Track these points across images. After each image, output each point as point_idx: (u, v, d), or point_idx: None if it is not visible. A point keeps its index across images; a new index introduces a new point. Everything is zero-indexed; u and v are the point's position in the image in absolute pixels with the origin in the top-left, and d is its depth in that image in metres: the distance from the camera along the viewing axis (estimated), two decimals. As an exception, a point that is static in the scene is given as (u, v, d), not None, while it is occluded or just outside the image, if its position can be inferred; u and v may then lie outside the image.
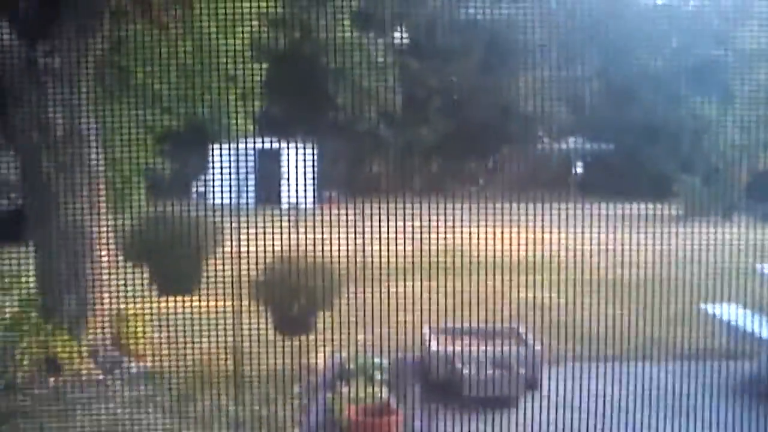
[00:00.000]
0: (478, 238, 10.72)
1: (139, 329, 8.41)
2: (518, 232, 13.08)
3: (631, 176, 19.96)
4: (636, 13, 26.71)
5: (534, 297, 11.02)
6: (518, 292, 9.36)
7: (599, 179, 21.14)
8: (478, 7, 30.83)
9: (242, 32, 13.41)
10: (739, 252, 12.04)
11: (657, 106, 21.00)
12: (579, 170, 22.21)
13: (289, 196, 15.44)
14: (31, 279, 8.23)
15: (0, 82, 8.10)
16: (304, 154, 18.51)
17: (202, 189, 17.77)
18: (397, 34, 26.79)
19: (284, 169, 16.86)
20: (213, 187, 15.77)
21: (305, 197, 18.14)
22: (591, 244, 12.23)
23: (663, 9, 28.32)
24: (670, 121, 20.37)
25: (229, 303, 6.93)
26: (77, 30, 8.08)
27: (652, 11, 27.69)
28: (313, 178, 17.83)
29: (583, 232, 13.95)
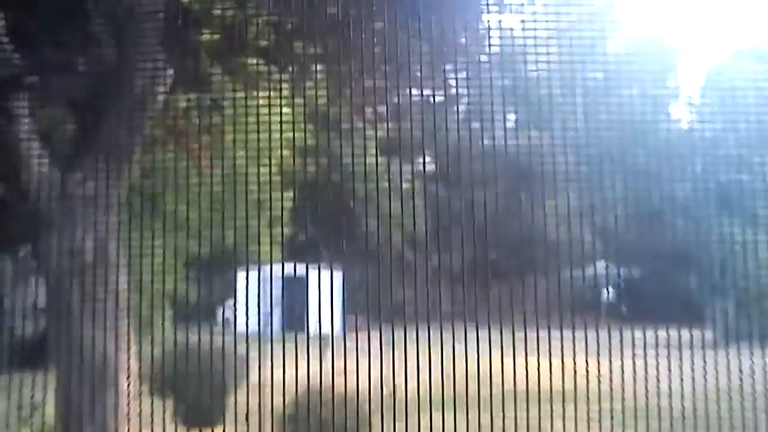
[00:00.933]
0: (508, 367, 10.47)
1: (162, 460, 8.13)
2: (549, 360, 12.73)
3: (662, 301, 19.65)
4: (659, 138, 27.13)
5: (568, 429, 10.57)
6: (552, 423, 9.00)
7: (629, 305, 20.81)
8: (503, 135, 31.61)
9: (271, 160, 13.73)
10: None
11: (684, 230, 20.97)
12: (609, 296, 21.97)
13: (315, 323, 15.30)
14: (51, 408, 8.08)
15: (33, 208, 8.26)
16: (331, 280, 18.56)
17: (228, 315, 17.76)
18: (422, 161, 27.37)
19: (311, 296, 16.81)
20: (239, 313, 15.76)
21: (332, 324, 18.04)
22: (625, 371, 11.84)
23: (685, 134, 28.78)
24: (698, 245, 20.27)
25: (255, 435, 6.71)
26: (111, 158, 8.30)
27: (674, 137, 28.12)
28: (342, 305, 17.80)
29: (616, 359, 13.53)
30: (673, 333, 18.46)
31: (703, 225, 20.29)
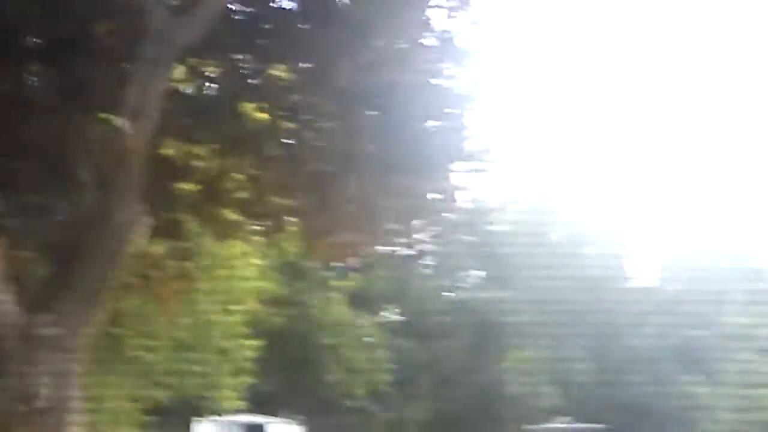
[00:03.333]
0: None
1: None
2: None
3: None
4: (618, 293, 27.71)
5: None
6: None
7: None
8: (467, 288, 32.00)
9: (239, 310, 13.75)
10: None
11: (646, 386, 21.05)
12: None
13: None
14: None
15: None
16: (291, 431, 18.17)
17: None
18: (387, 314, 27.46)
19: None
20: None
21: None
22: None
23: (646, 292, 29.39)
24: (660, 402, 20.30)
25: None
26: (81, 302, 8.26)
27: (636, 294, 28.72)
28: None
29: None
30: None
31: (664, 381, 20.45)
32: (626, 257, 32.20)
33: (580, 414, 22.21)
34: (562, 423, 22.34)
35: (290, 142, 6.36)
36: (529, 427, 21.63)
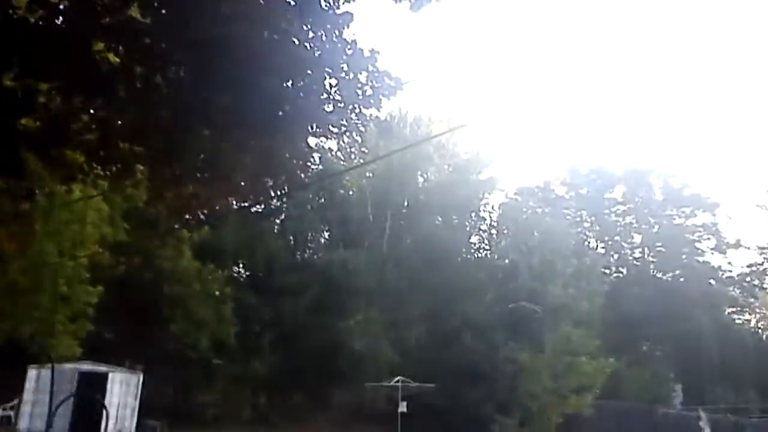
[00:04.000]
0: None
1: None
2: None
3: (453, 416, 20.48)
4: (458, 264, 29.05)
5: None
6: None
7: (422, 418, 21.53)
8: (315, 249, 32.39)
9: (81, 255, 13.24)
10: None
11: (476, 351, 22.22)
12: (403, 409, 22.71)
13: (112, 425, 14.51)
14: None
15: None
16: (131, 380, 17.80)
17: (11, 413, 16.36)
18: (236, 268, 27.35)
19: (108, 395, 15.97)
20: (24, 411, 14.64)
21: (131, 425, 17.13)
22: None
23: (482, 263, 30.99)
24: (489, 366, 21.50)
25: None
26: None
27: (472, 265, 30.19)
28: (139, 406, 16.95)
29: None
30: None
31: (494, 347, 21.80)
32: (470, 230, 33.76)
33: (415, 374, 23.27)
34: (397, 382, 23.30)
35: (142, 87, 6.20)
36: (368, 384, 22.41)
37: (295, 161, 7.45)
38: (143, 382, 16.92)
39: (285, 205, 27.58)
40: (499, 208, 32.59)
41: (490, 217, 33.15)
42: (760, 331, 35.88)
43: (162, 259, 19.75)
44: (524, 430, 18.72)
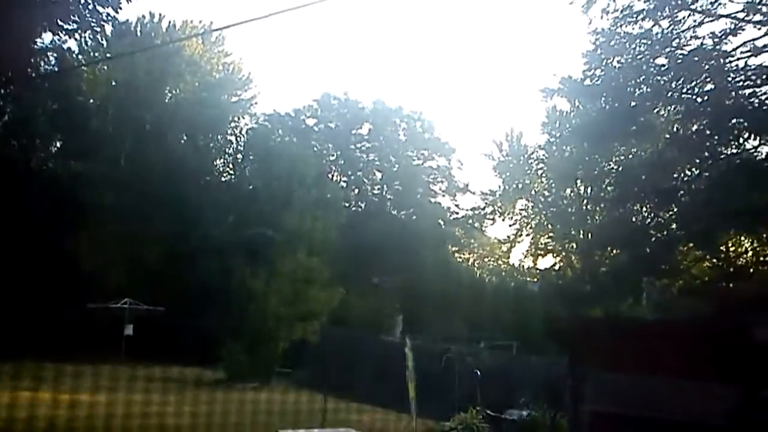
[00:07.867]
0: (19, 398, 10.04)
1: None
2: (65, 394, 12.36)
3: (182, 340, 20.23)
4: (201, 186, 28.32)
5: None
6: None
7: (150, 342, 21.09)
8: (47, 158, 29.70)
9: None
10: (270, 416, 12.94)
11: (212, 274, 21.97)
12: (129, 332, 22.09)
13: None
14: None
15: None
16: None
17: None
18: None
19: None
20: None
21: None
22: (134, 407, 12.08)
23: (226, 186, 30.56)
24: (222, 290, 21.33)
25: None
26: None
27: (216, 188, 29.65)
28: None
29: (128, 394, 13.72)
30: (190, 371, 19.33)
31: (229, 272, 21.75)
32: (216, 152, 32.95)
33: (149, 296, 22.52)
34: (124, 304, 22.51)
35: None
36: (90, 305, 21.26)
37: (15, 56, 6.79)
38: None
39: (10, 106, 24.95)
40: (248, 132, 32.26)
41: (238, 141, 32.77)
42: (476, 268, 39.36)
43: None
44: (251, 355, 19.08)
